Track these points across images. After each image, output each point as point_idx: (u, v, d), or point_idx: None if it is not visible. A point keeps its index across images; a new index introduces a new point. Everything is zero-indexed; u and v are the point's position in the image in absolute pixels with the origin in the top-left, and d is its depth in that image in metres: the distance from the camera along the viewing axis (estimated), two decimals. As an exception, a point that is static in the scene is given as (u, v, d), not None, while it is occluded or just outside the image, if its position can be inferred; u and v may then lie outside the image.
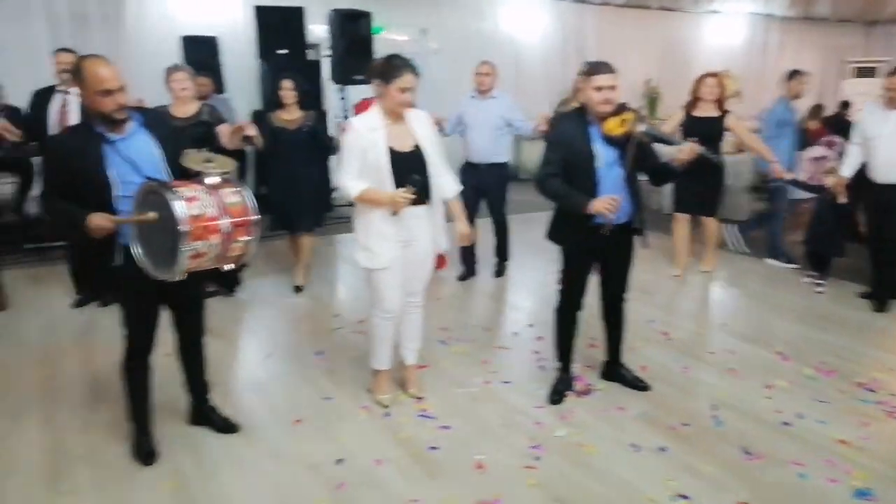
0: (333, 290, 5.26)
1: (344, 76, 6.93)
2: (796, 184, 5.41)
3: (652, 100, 10.91)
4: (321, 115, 5.06)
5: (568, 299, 3.35)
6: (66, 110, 4.64)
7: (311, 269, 5.29)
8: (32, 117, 4.76)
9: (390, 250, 3.08)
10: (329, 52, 7.29)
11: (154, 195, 2.42)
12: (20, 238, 5.98)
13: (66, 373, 3.69)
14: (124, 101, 2.54)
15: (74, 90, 4.36)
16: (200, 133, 4.11)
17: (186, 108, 4.36)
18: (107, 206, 2.53)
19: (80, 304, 4.71)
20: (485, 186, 5.18)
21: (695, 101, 5.17)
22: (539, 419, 3.21)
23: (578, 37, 10.71)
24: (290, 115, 4.84)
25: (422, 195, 3.04)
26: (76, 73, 2.52)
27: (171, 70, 4.47)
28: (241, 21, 7.89)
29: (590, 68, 3.08)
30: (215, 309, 3.24)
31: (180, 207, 2.33)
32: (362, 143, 2.99)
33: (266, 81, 7.48)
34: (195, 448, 2.94)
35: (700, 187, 5.06)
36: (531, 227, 6.05)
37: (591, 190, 3.05)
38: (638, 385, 3.49)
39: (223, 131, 3.98)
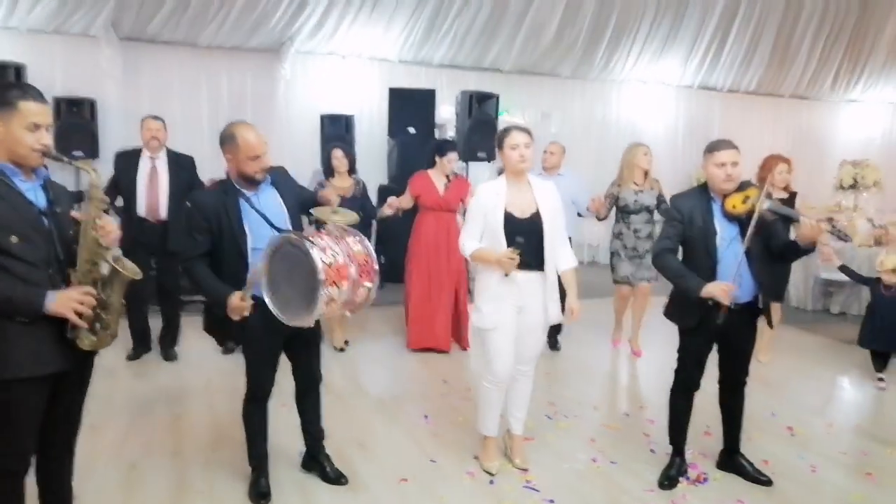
0: (444, 357, 5.33)
1: (468, 153, 7.24)
2: (845, 270, 5.13)
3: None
4: (364, 185, 5.44)
5: (685, 379, 3.25)
6: (156, 174, 4.77)
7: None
8: (116, 179, 4.81)
9: (502, 311, 3.14)
10: (454, 132, 7.67)
11: (290, 245, 2.64)
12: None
13: (194, 412, 3.96)
14: (267, 164, 2.83)
15: (162, 155, 4.78)
16: None
17: None
18: (241, 256, 2.78)
19: (135, 356, 4.88)
20: None
21: (763, 180, 4.83)
22: (648, 502, 3.07)
23: (704, 124, 10.63)
24: (343, 183, 5.20)
25: (532, 261, 3.11)
26: (229, 137, 2.82)
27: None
28: (376, 102, 8.49)
29: (712, 145, 3.12)
30: (327, 365, 3.39)
31: (318, 256, 2.53)
32: (484, 206, 3.14)
33: (393, 157, 7.96)
34: (305, 494, 3.05)
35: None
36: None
37: (711, 268, 3.02)
38: (760, 479, 3.26)
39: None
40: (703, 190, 3.15)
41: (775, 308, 5.03)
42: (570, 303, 3.29)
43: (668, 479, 3.23)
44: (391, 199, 5.10)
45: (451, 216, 5.36)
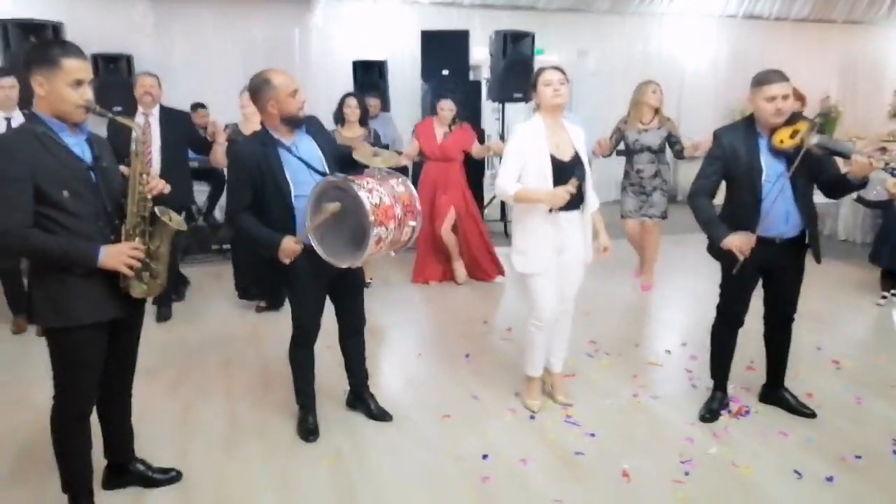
0: (483, 296, 5.38)
1: (502, 94, 7.13)
2: (861, 201, 5.26)
3: (830, 119, 10.11)
4: (377, 135, 5.35)
5: (728, 315, 3.22)
6: (148, 129, 4.67)
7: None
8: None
9: (546, 254, 3.13)
10: (489, 73, 7.53)
11: (336, 189, 2.67)
12: (208, 241, 6.72)
13: (244, 356, 4.10)
14: (304, 99, 2.83)
15: (155, 111, 4.73)
16: None
17: (255, 126, 4.46)
18: (286, 206, 2.81)
19: (164, 318, 4.75)
20: None
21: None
22: (690, 435, 3.09)
23: (749, 56, 10.20)
24: (352, 133, 5.08)
25: (574, 201, 3.08)
26: (263, 84, 2.80)
27: (243, 91, 4.58)
28: (408, 45, 8.35)
29: (761, 77, 2.95)
30: (370, 308, 3.46)
31: (365, 197, 2.56)
32: (523, 149, 3.09)
33: (426, 100, 7.88)
34: (352, 431, 3.15)
35: None
36: (687, 247, 5.91)
37: (755, 205, 2.94)
38: (803, 411, 3.25)
39: None
40: (749, 124, 3.02)
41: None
42: (603, 241, 3.28)
43: (710, 412, 3.24)
44: (406, 151, 5.20)
45: (450, 166, 5.50)
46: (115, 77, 7.14)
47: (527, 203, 3.10)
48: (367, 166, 2.90)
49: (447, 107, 5.40)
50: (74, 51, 2.19)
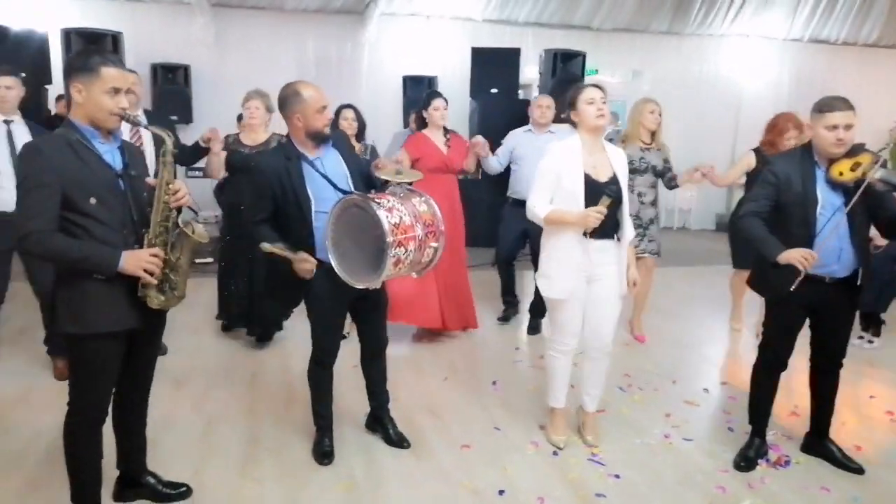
0: (518, 322, 5.26)
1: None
2: None
3: (898, 150, 9.62)
4: (373, 150, 4.79)
5: (770, 356, 3.03)
6: (140, 138, 4.00)
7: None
8: None
9: (571, 279, 3.01)
10: (538, 92, 7.44)
11: (356, 207, 2.62)
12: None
13: (268, 372, 4.09)
14: (332, 116, 2.81)
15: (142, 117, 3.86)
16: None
17: (256, 136, 4.37)
18: (306, 221, 2.78)
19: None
20: (530, 225, 4.44)
21: (772, 143, 4.55)
22: (722, 483, 2.90)
23: (813, 81, 9.83)
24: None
25: (609, 228, 2.95)
26: (292, 95, 2.78)
27: (247, 97, 4.41)
28: (459, 62, 8.34)
29: (823, 104, 2.76)
30: (398, 330, 3.39)
31: (384, 217, 2.50)
32: (557, 168, 2.98)
33: (474, 118, 7.84)
34: (368, 456, 3.08)
35: None
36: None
37: (807, 239, 2.77)
38: (849, 465, 3.02)
39: None
40: (806, 152, 2.85)
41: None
42: (632, 274, 3.11)
43: (746, 460, 3.05)
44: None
45: (453, 179, 4.66)
46: (172, 87, 7.36)
47: (558, 225, 2.99)
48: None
49: (442, 106, 4.54)
50: (113, 60, 2.22)
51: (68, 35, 6.51)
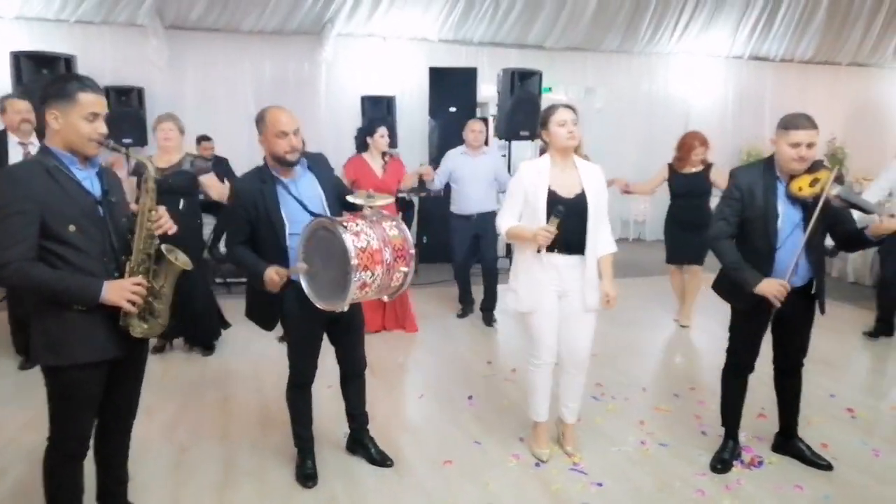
0: (489, 337, 5.29)
1: (509, 132, 7.14)
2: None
3: (837, 160, 10.10)
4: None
5: (738, 360, 3.13)
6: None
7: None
8: None
9: (538, 294, 3.06)
10: (496, 110, 7.56)
11: (324, 230, 2.62)
12: (213, 274, 6.67)
13: (242, 395, 4.02)
14: (297, 145, 2.79)
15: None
16: (180, 182, 4.32)
17: (170, 158, 4.42)
18: (280, 243, 2.77)
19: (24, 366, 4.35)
20: (479, 230, 5.39)
21: (682, 159, 5.25)
22: (700, 487, 2.98)
23: (756, 96, 10.25)
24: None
25: (574, 244, 3.01)
26: (259, 118, 2.82)
27: (159, 119, 4.49)
28: (417, 82, 8.41)
29: (788, 121, 2.84)
30: (372, 346, 3.38)
31: (349, 241, 2.50)
32: (525, 186, 3.04)
33: (433, 137, 7.91)
34: (350, 477, 3.05)
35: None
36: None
37: (769, 252, 2.88)
38: (819, 463, 3.13)
39: (208, 183, 4.36)
40: (769, 166, 2.94)
41: (694, 272, 5.36)
42: (606, 288, 3.12)
43: (721, 463, 3.13)
44: None
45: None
46: (126, 109, 7.21)
47: (517, 241, 3.09)
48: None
49: (385, 133, 4.95)
50: (91, 84, 2.19)
51: (18, 58, 6.32)
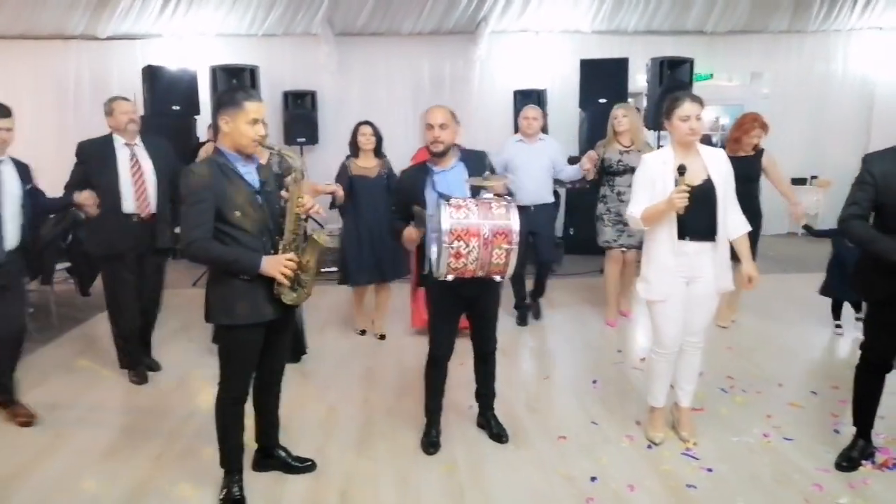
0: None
1: (659, 122, 7.00)
2: (808, 230, 5.17)
3: None
4: (390, 165, 4.91)
5: (873, 357, 3.00)
6: (139, 164, 4.02)
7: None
8: (87, 172, 4.03)
9: (669, 283, 3.11)
10: (646, 100, 7.46)
11: (437, 208, 2.88)
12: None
13: (383, 364, 4.48)
14: (440, 136, 3.10)
15: (139, 142, 4.03)
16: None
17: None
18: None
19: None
20: (535, 227, 5.00)
21: (737, 140, 4.92)
22: (820, 482, 2.91)
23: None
24: (367, 163, 4.78)
25: (704, 230, 3.05)
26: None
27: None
28: (568, 74, 8.48)
29: None
30: (505, 329, 3.63)
31: (447, 212, 2.77)
32: (652, 176, 3.11)
33: (583, 129, 7.96)
34: (470, 445, 3.34)
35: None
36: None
37: None
38: (965, 472, 2.92)
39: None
40: None
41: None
42: (747, 270, 3.14)
43: (848, 461, 3.02)
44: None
45: None
46: (301, 111, 8.06)
47: (654, 220, 3.07)
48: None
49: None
50: (254, 95, 2.68)
51: (215, 72, 7.32)
